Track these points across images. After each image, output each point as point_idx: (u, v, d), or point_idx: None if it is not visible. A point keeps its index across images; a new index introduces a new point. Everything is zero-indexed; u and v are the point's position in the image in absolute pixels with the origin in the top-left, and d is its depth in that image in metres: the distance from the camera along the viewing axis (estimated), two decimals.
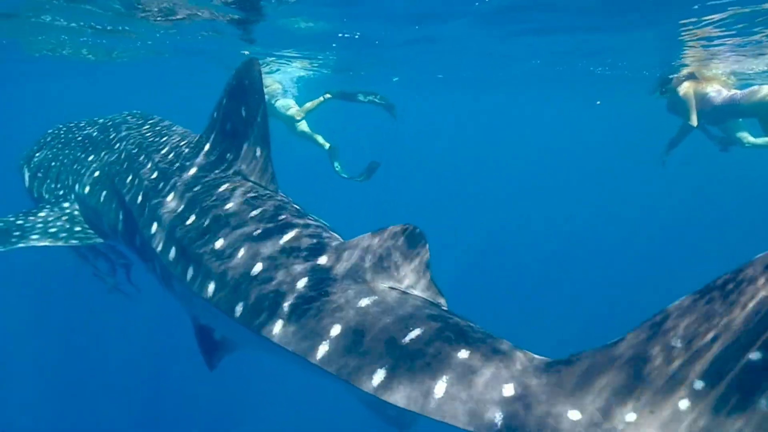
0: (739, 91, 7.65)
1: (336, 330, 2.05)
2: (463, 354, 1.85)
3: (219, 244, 2.68)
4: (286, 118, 11.05)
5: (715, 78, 9.97)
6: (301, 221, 2.71)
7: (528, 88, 18.98)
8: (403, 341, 1.93)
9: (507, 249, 21.62)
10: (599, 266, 19.43)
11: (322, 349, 2.02)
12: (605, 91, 18.48)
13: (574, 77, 15.45)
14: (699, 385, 1.50)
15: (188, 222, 2.95)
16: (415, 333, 1.94)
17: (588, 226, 25.19)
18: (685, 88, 8.16)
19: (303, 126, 10.93)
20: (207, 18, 8.19)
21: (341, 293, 2.17)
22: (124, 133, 4.56)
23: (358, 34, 9.63)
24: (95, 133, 5.08)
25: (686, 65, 11.19)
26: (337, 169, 10.36)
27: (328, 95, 10.65)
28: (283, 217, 2.74)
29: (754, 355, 1.44)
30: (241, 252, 2.56)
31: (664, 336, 1.59)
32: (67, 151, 5.12)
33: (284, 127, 11.29)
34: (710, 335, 1.52)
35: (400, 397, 1.81)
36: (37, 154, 5.52)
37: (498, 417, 1.67)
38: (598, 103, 19.44)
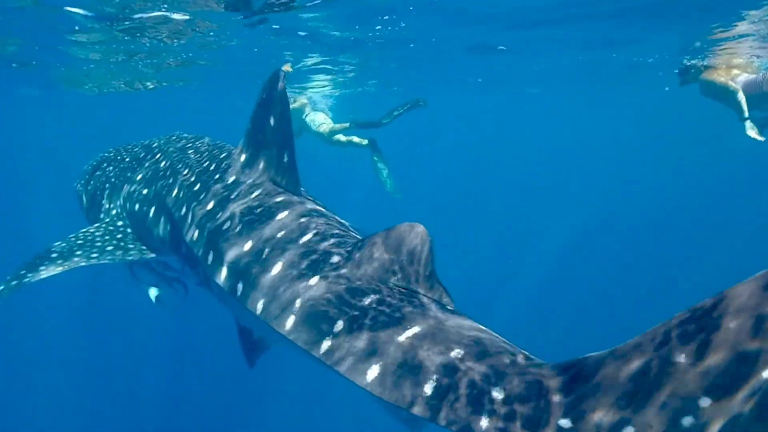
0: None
1: (342, 328, 2.16)
2: (457, 353, 1.91)
3: (252, 249, 2.84)
4: (316, 133, 11.32)
5: (738, 64, 9.82)
6: (324, 224, 2.85)
7: (542, 86, 18.98)
8: (399, 339, 2.00)
9: (537, 249, 21.62)
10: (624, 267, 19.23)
11: (348, 361, 2.06)
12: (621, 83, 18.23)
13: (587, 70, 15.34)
14: (705, 402, 1.38)
15: (225, 228, 3.12)
16: (412, 331, 2.02)
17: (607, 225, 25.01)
18: (718, 75, 8.06)
19: (338, 137, 11.11)
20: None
21: (358, 299, 2.25)
22: (168, 151, 4.85)
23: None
24: (142, 154, 5.42)
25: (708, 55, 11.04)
26: (380, 168, 10.52)
27: (347, 125, 10.84)
28: (304, 220, 2.90)
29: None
30: (271, 259, 2.71)
31: (666, 349, 1.47)
32: (117, 172, 5.45)
33: (315, 139, 11.54)
34: (717, 350, 1.37)
35: (388, 392, 1.88)
36: (90, 177, 5.92)
37: (484, 423, 1.70)
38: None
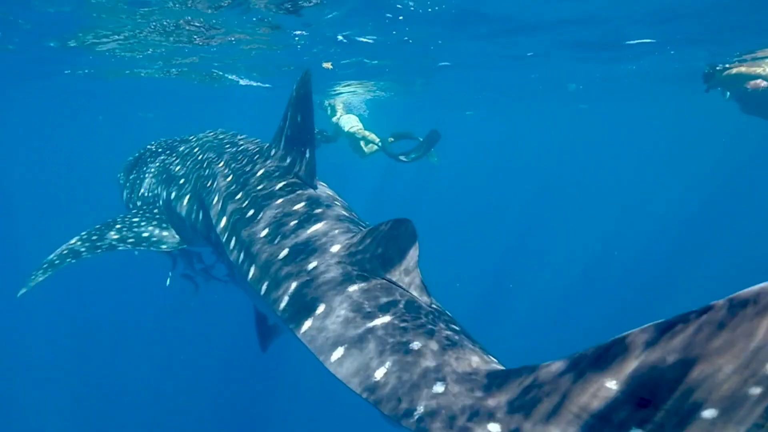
0: None
1: (323, 310, 2.33)
2: (416, 345, 2.01)
3: (266, 237, 3.03)
4: (347, 134, 11.31)
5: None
6: (334, 217, 3.02)
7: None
8: (369, 325, 2.15)
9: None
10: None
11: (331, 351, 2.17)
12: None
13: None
14: None
15: (247, 217, 3.31)
16: (380, 320, 2.16)
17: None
18: (743, 68, 7.93)
19: (369, 147, 11.00)
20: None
21: (344, 287, 2.40)
22: (207, 146, 5.08)
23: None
24: (182, 147, 5.71)
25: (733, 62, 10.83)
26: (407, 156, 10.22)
27: (391, 139, 10.50)
28: (318, 211, 3.09)
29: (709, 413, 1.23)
30: (280, 245, 2.90)
31: (604, 374, 1.43)
32: (157, 164, 5.75)
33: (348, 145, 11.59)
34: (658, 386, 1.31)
35: (345, 371, 2.02)
36: (132, 168, 6.28)
37: (419, 410, 1.79)
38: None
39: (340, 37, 9.81)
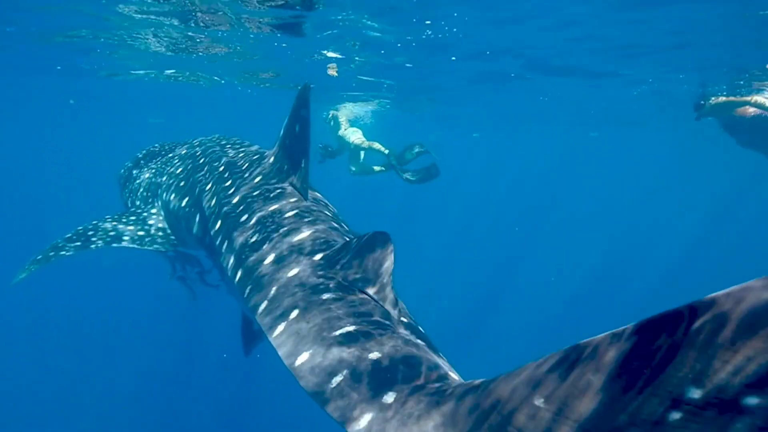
0: None
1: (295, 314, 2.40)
2: (375, 355, 2.07)
3: (254, 242, 3.09)
4: (352, 147, 11.40)
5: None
6: (323, 227, 3.08)
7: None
8: (334, 333, 2.22)
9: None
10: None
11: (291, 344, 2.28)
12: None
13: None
14: None
15: (240, 223, 3.37)
16: (345, 329, 2.23)
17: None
18: (730, 98, 8.12)
19: (364, 144, 11.22)
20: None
21: (318, 294, 2.47)
22: (208, 150, 5.13)
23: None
24: (183, 150, 5.76)
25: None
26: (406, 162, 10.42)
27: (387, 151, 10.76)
28: (307, 219, 3.16)
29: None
30: (266, 252, 2.96)
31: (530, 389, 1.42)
32: (157, 165, 5.81)
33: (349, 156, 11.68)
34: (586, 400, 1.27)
35: (305, 374, 2.09)
36: (132, 168, 6.32)
37: (364, 421, 1.84)
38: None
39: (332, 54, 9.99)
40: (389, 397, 1.90)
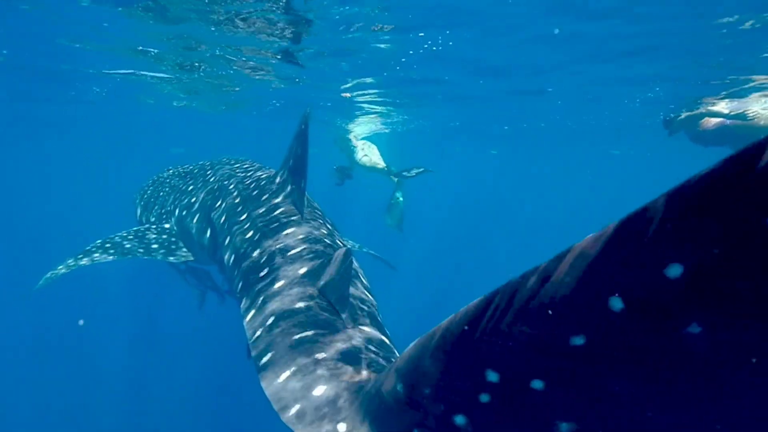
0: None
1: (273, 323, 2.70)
2: (320, 355, 2.35)
3: (256, 257, 3.38)
4: (354, 160, 11.83)
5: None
6: (317, 244, 3.34)
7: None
8: (289, 339, 2.50)
9: None
10: None
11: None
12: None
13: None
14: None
15: (246, 239, 3.64)
16: (305, 335, 2.51)
17: None
18: (706, 122, 8.34)
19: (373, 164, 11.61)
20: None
21: (294, 303, 2.78)
22: (218, 170, 5.46)
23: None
24: (196, 171, 6.11)
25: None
26: (397, 197, 10.90)
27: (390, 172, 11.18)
28: (302, 237, 3.43)
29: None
30: (264, 267, 3.25)
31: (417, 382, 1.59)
32: (172, 184, 6.16)
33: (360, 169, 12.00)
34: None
35: (267, 378, 2.34)
36: (148, 189, 6.71)
37: (296, 408, 2.12)
38: None
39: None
40: (320, 390, 2.17)
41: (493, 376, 1.32)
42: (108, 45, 8.60)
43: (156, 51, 8.90)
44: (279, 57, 8.75)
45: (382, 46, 8.08)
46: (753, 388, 1.01)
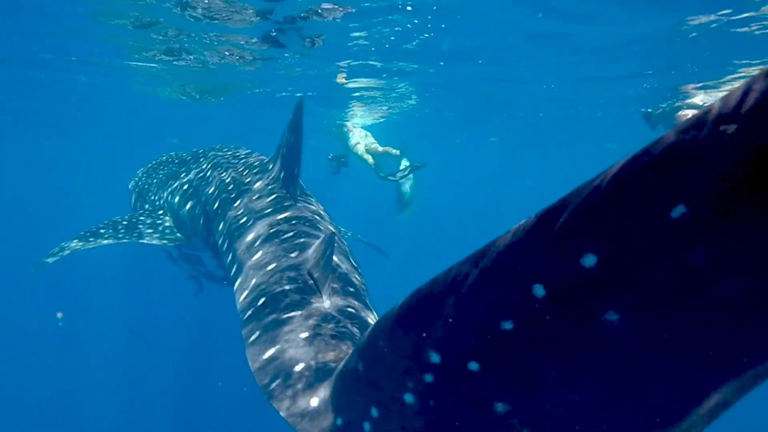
0: None
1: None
2: (304, 335, 2.46)
3: (249, 245, 3.44)
4: (353, 151, 11.76)
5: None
6: (307, 227, 3.42)
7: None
8: (283, 316, 2.63)
9: None
10: None
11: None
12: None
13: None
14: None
15: (240, 224, 3.71)
16: (293, 314, 2.63)
17: None
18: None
19: (374, 149, 11.54)
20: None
21: (281, 282, 2.91)
22: (210, 156, 5.53)
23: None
24: (188, 158, 6.15)
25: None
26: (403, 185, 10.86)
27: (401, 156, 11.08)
28: (294, 221, 3.50)
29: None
30: (256, 250, 3.33)
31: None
32: (165, 171, 6.22)
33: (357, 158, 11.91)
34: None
35: (252, 350, 2.48)
36: (142, 176, 6.74)
37: (275, 383, 2.25)
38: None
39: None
40: (299, 367, 2.30)
41: (435, 358, 1.39)
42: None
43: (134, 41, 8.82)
44: (259, 42, 8.66)
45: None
46: (666, 371, 1.06)
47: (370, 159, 11.24)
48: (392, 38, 8.33)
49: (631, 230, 0.94)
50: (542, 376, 1.20)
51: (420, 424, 1.51)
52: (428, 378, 1.43)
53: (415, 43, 8.50)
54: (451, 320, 1.30)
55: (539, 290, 1.10)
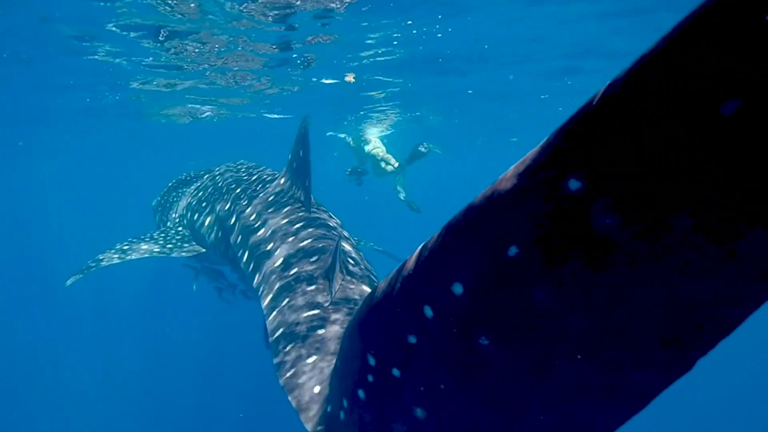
0: None
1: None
2: (332, 346, 2.64)
3: (268, 254, 3.64)
4: (369, 157, 11.90)
5: None
6: (322, 237, 3.61)
7: None
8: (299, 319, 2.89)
9: None
10: None
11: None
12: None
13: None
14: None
15: (258, 236, 3.93)
16: (313, 313, 2.88)
17: None
18: None
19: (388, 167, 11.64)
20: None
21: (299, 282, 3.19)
22: (225, 173, 5.82)
23: None
24: (205, 176, 6.48)
25: None
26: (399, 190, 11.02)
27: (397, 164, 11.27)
28: (309, 230, 3.72)
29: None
30: (275, 258, 3.55)
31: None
32: (184, 190, 6.57)
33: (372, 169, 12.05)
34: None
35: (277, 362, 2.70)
36: (164, 195, 7.12)
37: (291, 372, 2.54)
38: None
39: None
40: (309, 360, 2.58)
41: (371, 360, 1.52)
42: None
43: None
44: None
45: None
46: (538, 397, 1.14)
47: (392, 161, 11.34)
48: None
49: (483, 263, 1.01)
50: (445, 388, 1.30)
51: (370, 417, 1.63)
52: (370, 378, 1.56)
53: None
54: (377, 329, 1.45)
55: (428, 311, 1.21)
